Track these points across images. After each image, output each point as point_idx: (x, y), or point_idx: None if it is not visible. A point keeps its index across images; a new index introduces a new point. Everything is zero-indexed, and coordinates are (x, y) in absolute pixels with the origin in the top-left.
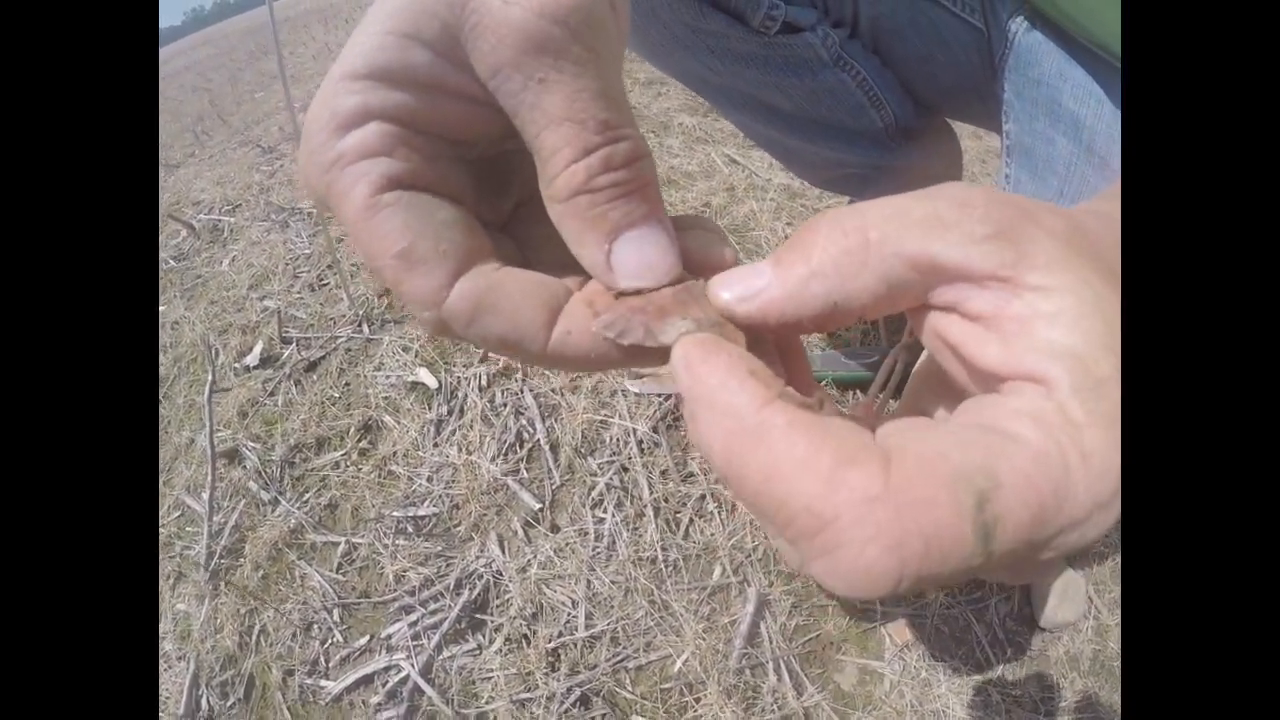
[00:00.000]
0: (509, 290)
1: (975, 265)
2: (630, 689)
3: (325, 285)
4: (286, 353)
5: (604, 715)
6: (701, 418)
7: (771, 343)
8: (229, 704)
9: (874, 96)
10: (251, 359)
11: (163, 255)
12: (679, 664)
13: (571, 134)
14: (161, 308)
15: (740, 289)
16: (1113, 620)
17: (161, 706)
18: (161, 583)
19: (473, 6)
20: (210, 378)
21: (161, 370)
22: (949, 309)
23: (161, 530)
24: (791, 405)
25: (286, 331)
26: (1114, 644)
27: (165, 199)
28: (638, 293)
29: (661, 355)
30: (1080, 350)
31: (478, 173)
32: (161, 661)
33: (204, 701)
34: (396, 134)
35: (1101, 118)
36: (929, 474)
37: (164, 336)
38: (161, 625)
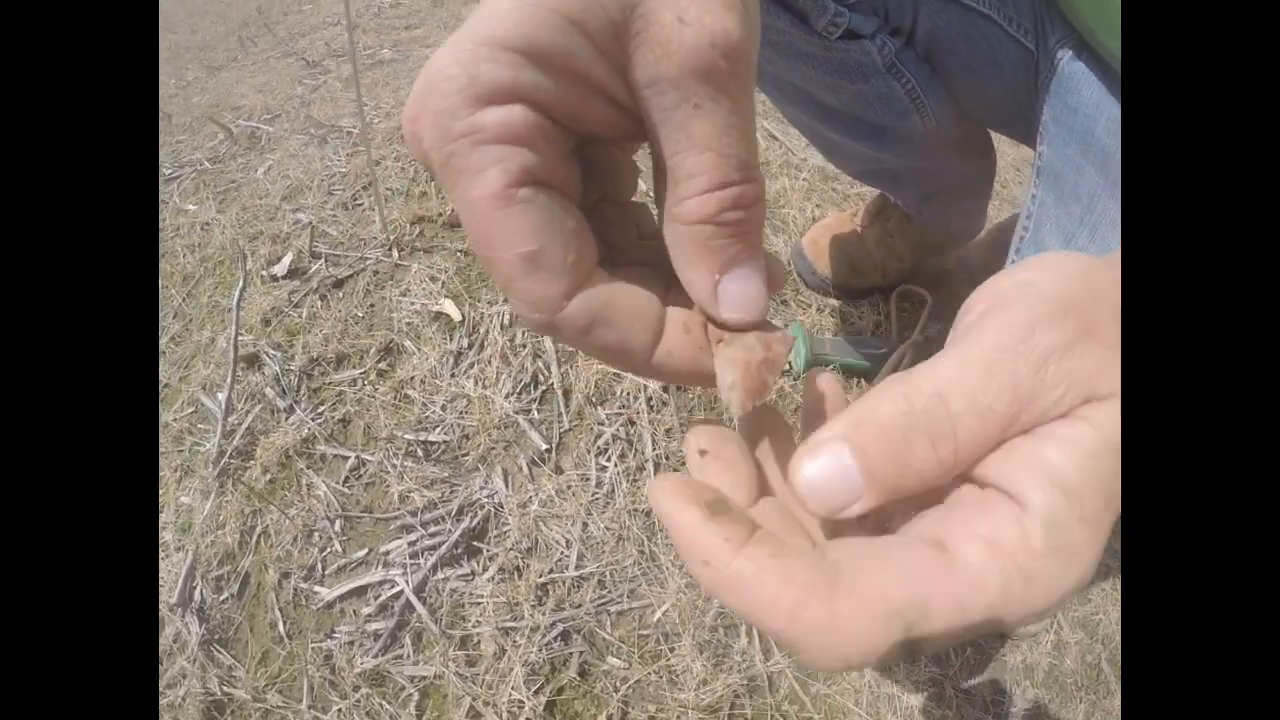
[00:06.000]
0: (622, 307)
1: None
2: (610, 631)
3: (359, 205)
4: (315, 267)
5: (582, 653)
6: (683, 550)
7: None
8: (222, 598)
9: (920, 104)
10: (280, 269)
11: (198, 157)
12: (659, 614)
13: (712, 164)
14: (193, 207)
15: (827, 495)
16: (1073, 639)
17: None
18: (169, 474)
19: (641, 12)
20: (241, 282)
21: (188, 268)
22: None
23: (173, 424)
24: (760, 553)
25: (316, 246)
26: (1070, 661)
27: (205, 100)
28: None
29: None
30: (1074, 485)
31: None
32: (160, 550)
33: (198, 593)
34: (539, 125)
35: None
36: (868, 612)
37: (193, 237)
38: (163, 515)
